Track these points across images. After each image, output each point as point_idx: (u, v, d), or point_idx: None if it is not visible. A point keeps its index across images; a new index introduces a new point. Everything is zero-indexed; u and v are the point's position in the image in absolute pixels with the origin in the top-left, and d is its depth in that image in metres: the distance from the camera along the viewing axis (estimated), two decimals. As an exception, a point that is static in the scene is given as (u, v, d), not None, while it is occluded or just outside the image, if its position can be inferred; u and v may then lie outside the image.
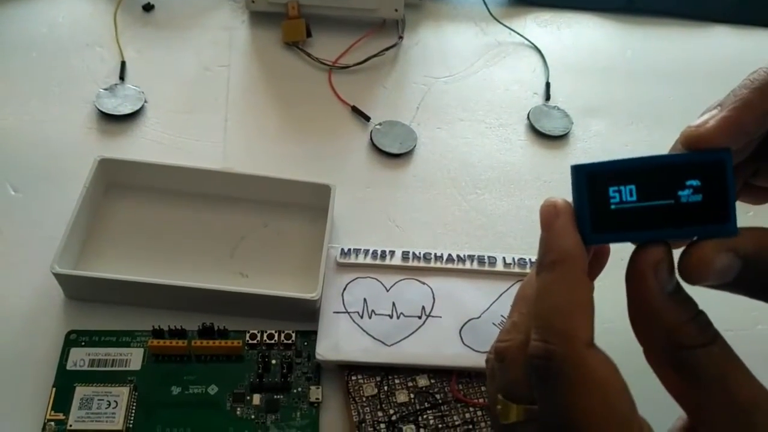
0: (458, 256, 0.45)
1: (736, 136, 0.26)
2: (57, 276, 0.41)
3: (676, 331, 0.25)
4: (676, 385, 0.26)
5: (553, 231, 0.27)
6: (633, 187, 0.26)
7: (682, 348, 0.25)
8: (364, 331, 0.42)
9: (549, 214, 0.27)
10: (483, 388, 0.40)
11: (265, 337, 0.42)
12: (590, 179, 0.26)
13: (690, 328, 0.25)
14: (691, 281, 0.26)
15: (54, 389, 0.39)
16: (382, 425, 0.39)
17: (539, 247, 0.27)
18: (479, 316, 0.43)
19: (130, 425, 0.38)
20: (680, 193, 0.26)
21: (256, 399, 0.40)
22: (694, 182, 0.26)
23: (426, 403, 0.40)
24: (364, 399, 0.40)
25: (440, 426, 0.39)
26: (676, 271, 0.26)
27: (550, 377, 0.25)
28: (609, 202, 0.26)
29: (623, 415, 0.25)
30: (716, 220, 0.26)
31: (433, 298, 0.44)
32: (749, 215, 0.51)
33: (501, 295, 0.44)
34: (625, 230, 0.26)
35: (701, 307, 0.26)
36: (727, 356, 0.26)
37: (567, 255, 0.26)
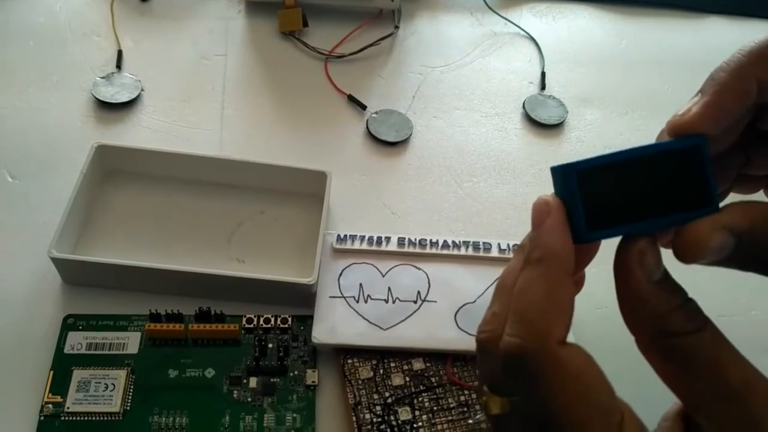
0: (454, 242, 0.46)
1: (719, 119, 0.27)
2: (54, 260, 0.42)
3: (664, 319, 0.26)
4: (668, 373, 0.27)
5: (543, 229, 0.27)
6: (619, 180, 0.26)
7: (672, 335, 0.26)
8: (360, 315, 0.42)
9: (540, 212, 0.27)
10: (478, 372, 0.41)
11: (261, 322, 0.42)
12: (580, 177, 0.26)
13: (678, 316, 0.26)
14: (687, 261, 0.26)
15: (51, 372, 0.39)
16: (378, 407, 0.39)
17: (527, 243, 0.27)
18: (474, 301, 0.43)
19: (128, 407, 0.38)
20: (664, 182, 0.26)
21: (253, 382, 0.40)
22: (675, 170, 0.26)
23: (421, 386, 0.40)
24: (360, 382, 0.40)
25: (435, 408, 0.39)
26: (672, 252, 0.26)
27: (525, 374, 0.25)
28: (599, 198, 0.26)
29: (603, 404, 0.25)
30: (700, 204, 0.26)
31: (429, 283, 0.44)
32: (738, 198, 0.52)
33: (496, 280, 0.44)
34: (617, 225, 0.26)
35: (695, 293, 0.26)
36: (718, 342, 0.26)
37: (553, 253, 0.26)
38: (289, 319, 0.42)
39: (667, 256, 0.27)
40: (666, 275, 0.26)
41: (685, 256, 0.26)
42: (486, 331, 0.28)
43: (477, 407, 0.39)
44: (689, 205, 0.26)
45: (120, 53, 0.57)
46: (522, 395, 0.26)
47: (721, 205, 0.26)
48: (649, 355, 0.27)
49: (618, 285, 0.27)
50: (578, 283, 0.30)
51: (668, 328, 0.26)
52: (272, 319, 0.42)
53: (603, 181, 0.26)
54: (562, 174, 0.26)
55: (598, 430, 0.25)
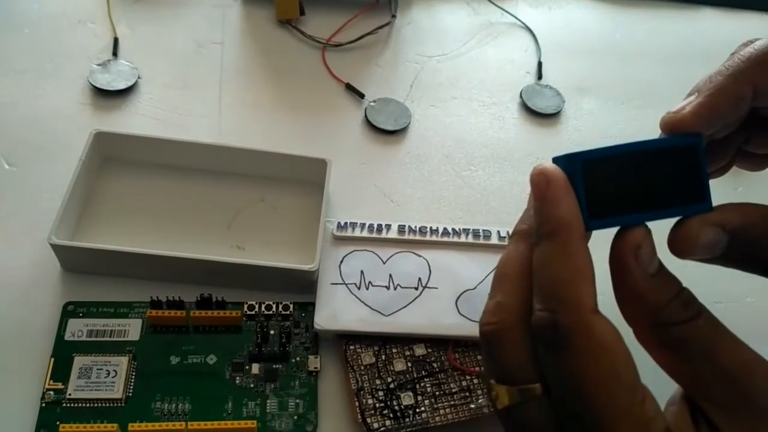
0: (453, 229, 0.46)
1: (711, 121, 0.27)
2: (54, 247, 0.41)
3: (660, 311, 0.26)
4: (666, 360, 0.27)
5: (547, 200, 0.26)
6: (619, 172, 0.26)
7: (668, 325, 0.26)
8: (362, 301, 0.42)
9: (540, 182, 0.26)
10: (479, 357, 0.41)
11: (263, 309, 0.42)
12: (584, 167, 0.26)
13: (673, 306, 0.26)
14: (680, 255, 0.27)
15: (52, 359, 0.39)
16: (380, 392, 0.39)
17: (534, 217, 0.27)
18: (475, 288, 0.43)
19: (130, 394, 0.38)
20: (660, 176, 0.27)
21: (255, 368, 0.40)
22: (673, 165, 0.27)
23: (423, 372, 0.40)
24: (362, 367, 0.40)
25: (437, 393, 0.39)
26: (667, 246, 0.27)
27: (558, 346, 0.25)
28: (600, 189, 0.26)
29: (629, 381, 0.25)
30: (694, 199, 0.27)
31: (429, 270, 0.44)
32: (738, 191, 0.53)
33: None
34: (615, 215, 0.27)
35: (693, 280, 0.27)
36: (713, 328, 0.26)
37: (564, 223, 0.26)
38: (291, 306, 0.42)
39: (663, 247, 0.27)
40: (660, 266, 0.27)
41: (677, 250, 0.27)
42: (492, 323, 0.27)
43: (479, 392, 0.39)
44: (685, 200, 0.27)
45: (116, 41, 0.57)
46: (552, 372, 0.26)
47: (719, 201, 0.27)
48: (647, 344, 0.27)
49: (614, 279, 0.27)
50: None
51: (664, 319, 0.26)
52: (274, 306, 0.42)
53: (603, 173, 0.27)
54: (566, 163, 0.27)
55: (625, 405, 0.25)
